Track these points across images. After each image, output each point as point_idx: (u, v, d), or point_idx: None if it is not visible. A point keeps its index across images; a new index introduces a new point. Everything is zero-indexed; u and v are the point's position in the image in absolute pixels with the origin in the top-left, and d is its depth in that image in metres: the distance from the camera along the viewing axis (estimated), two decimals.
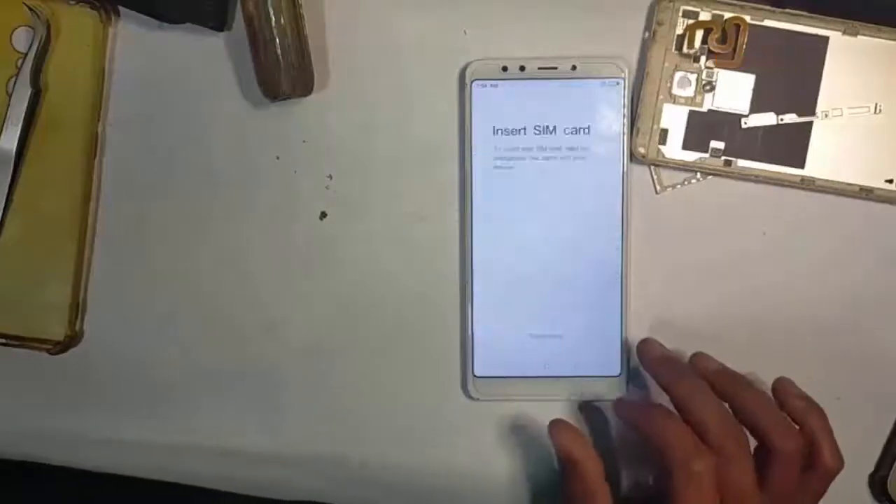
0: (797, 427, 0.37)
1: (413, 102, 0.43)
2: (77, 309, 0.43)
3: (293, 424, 0.44)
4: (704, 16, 0.41)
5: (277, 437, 0.44)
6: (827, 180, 0.41)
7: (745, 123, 0.41)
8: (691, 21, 0.41)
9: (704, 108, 0.41)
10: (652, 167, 0.42)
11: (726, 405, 0.37)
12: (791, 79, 0.41)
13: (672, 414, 0.37)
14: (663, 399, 0.42)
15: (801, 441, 0.36)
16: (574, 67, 0.41)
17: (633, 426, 0.39)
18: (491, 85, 0.41)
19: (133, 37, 0.43)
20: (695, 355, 0.40)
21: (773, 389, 0.39)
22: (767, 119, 0.41)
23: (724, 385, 0.38)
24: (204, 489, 0.44)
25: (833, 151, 0.41)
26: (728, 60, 0.41)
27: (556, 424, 0.39)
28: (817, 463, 0.37)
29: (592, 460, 0.38)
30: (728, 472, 0.35)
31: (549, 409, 0.43)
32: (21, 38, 0.43)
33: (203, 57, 0.43)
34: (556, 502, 0.44)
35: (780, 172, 0.41)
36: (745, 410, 0.37)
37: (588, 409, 0.43)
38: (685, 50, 0.41)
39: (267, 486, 0.45)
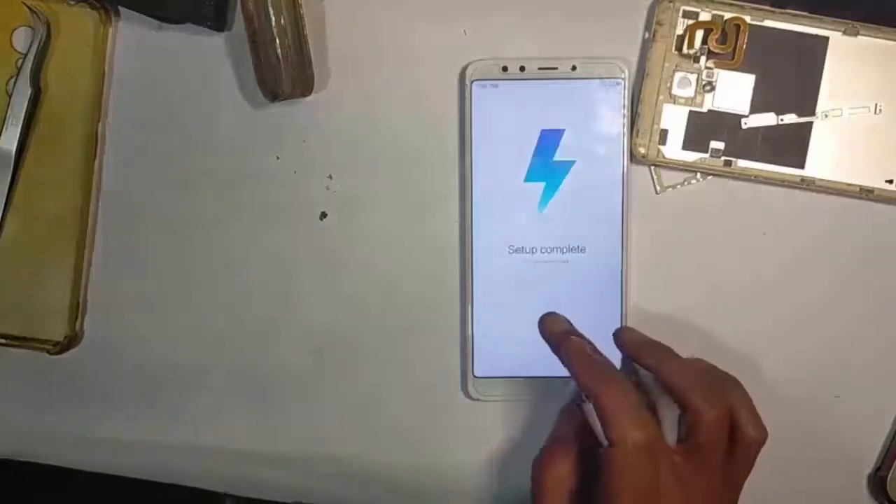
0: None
1: (413, 102, 0.42)
2: (77, 309, 0.43)
3: (293, 425, 0.44)
4: (704, 16, 0.41)
5: (277, 438, 0.44)
6: (827, 180, 0.41)
7: (745, 123, 0.41)
8: (691, 21, 0.41)
9: (704, 109, 0.41)
10: (652, 167, 0.42)
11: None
12: (791, 79, 0.41)
13: (615, 370, 0.36)
14: None
15: (725, 406, 0.35)
16: (574, 67, 0.41)
17: (574, 378, 0.36)
18: (491, 85, 0.41)
19: (133, 37, 0.43)
20: (619, 329, 0.41)
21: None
22: (767, 119, 0.41)
23: (649, 354, 0.38)
24: (205, 491, 0.45)
25: (833, 151, 0.41)
26: (728, 61, 0.41)
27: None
28: (740, 436, 0.35)
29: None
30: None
31: (549, 409, 0.43)
32: (21, 38, 0.43)
33: (203, 57, 0.43)
34: None
35: (780, 172, 0.41)
36: (668, 378, 0.36)
37: (588, 409, 0.43)
38: (685, 50, 0.41)
39: (266, 487, 0.45)
